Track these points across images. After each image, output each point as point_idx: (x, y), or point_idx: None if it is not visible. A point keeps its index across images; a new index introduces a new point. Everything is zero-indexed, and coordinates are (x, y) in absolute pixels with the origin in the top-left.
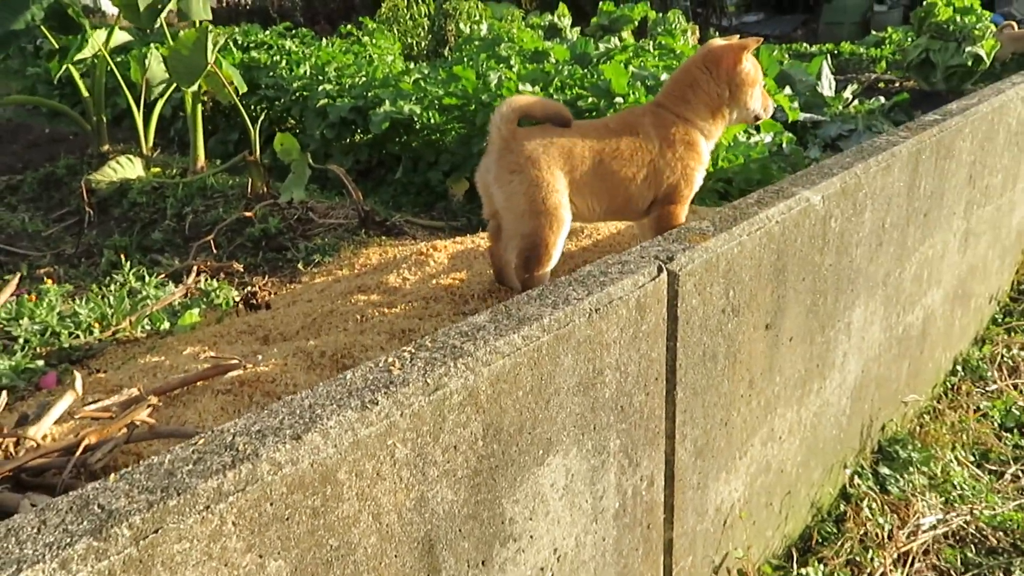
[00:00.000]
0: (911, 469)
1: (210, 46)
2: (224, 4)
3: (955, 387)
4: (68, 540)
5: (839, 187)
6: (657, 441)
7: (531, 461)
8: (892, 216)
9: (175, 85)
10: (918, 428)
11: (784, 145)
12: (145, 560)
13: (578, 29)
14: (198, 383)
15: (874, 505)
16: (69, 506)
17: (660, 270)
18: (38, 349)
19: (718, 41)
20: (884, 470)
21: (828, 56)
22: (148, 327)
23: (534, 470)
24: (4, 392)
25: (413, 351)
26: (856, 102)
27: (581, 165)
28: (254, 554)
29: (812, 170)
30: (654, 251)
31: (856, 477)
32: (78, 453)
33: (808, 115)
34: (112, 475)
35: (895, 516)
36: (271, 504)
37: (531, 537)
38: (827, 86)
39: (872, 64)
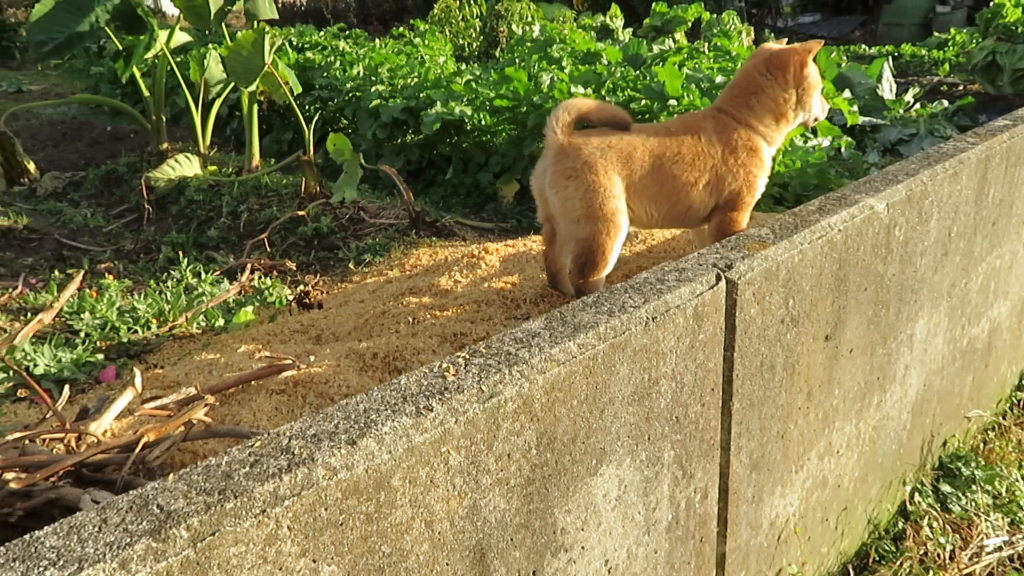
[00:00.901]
0: (974, 487)
1: (267, 47)
2: (280, 5)
3: (1021, 403)
4: (128, 540)
5: (904, 194)
6: (712, 453)
7: (584, 471)
8: (959, 225)
9: (232, 85)
10: (982, 445)
11: (843, 149)
12: (202, 562)
13: (630, 30)
14: (252, 382)
15: (935, 524)
16: (129, 505)
17: (719, 278)
18: (98, 343)
19: (774, 45)
20: (946, 488)
21: (889, 58)
22: (203, 324)
23: (587, 480)
24: (67, 386)
25: (468, 357)
26: (918, 106)
27: (640, 170)
28: (308, 559)
29: (876, 177)
30: (712, 259)
31: (916, 494)
32: (137, 450)
33: (867, 119)
34: (171, 475)
35: (957, 536)
36: (326, 509)
37: (582, 548)
38: (888, 89)
39: (934, 67)
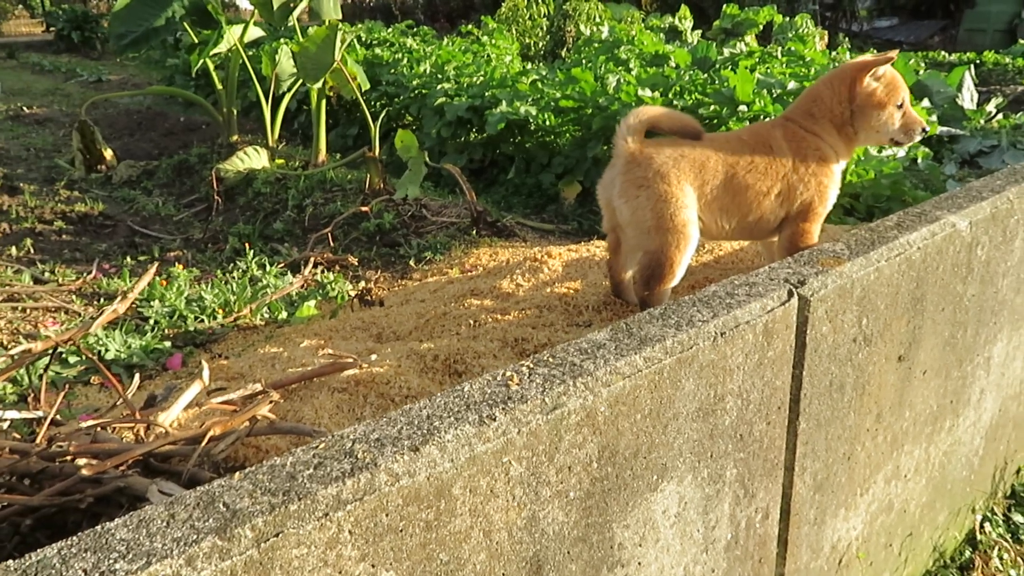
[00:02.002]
0: None
1: (338, 44)
2: (349, 1)
3: None
4: (195, 537)
5: (989, 212)
6: (775, 472)
7: (644, 486)
8: None
9: (301, 80)
10: None
11: (919, 160)
12: (265, 563)
13: (699, 32)
14: (315, 379)
15: (1006, 555)
16: (196, 502)
17: (790, 295)
18: (166, 331)
19: (863, 57)
20: (1018, 518)
21: (970, 66)
22: (267, 315)
23: (647, 496)
24: (136, 374)
25: (532, 366)
26: (1000, 116)
27: (712, 180)
28: (367, 563)
29: (959, 192)
30: (784, 274)
31: (986, 523)
32: (203, 443)
33: (946, 129)
34: (237, 473)
35: None
36: (386, 515)
37: (639, 564)
38: (968, 98)
39: (1019, 76)
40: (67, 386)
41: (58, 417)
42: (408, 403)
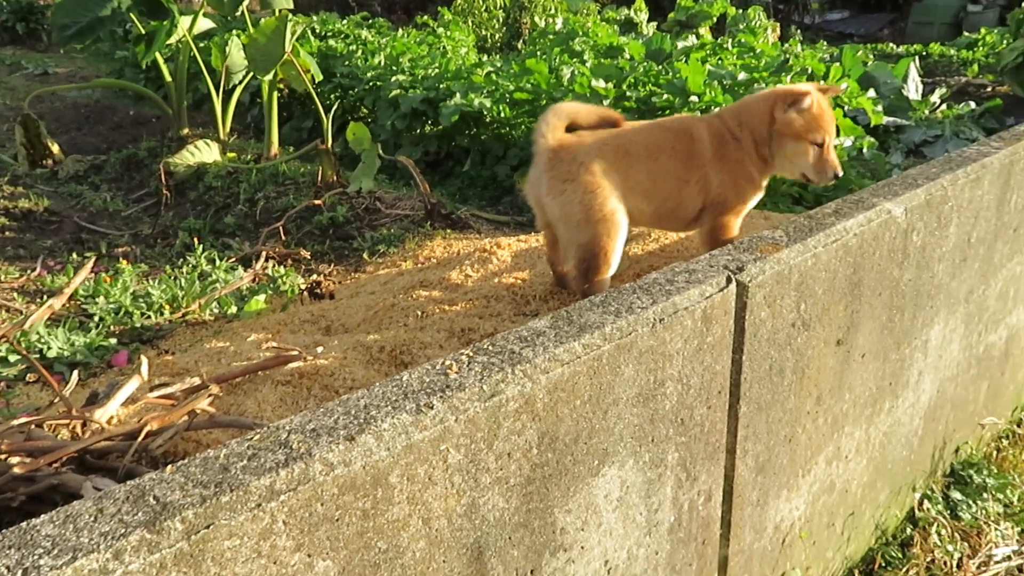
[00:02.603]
0: (985, 495)
1: (288, 35)
2: None
3: None
4: (123, 531)
5: (924, 199)
6: (717, 456)
7: (585, 471)
8: (979, 231)
9: (252, 73)
10: (995, 452)
11: (865, 150)
12: (196, 555)
13: (654, 24)
14: (259, 373)
15: (943, 531)
16: (126, 496)
17: (729, 281)
18: (112, 327)
19: (798, 86)
20: (956, 495)
21: (916, 58)
22: (216, 310)
23: (588, 480)
24: (76, 371)
25: (471, 354)
26: (944, 107)
27: (635, 164)
28: (303, 553)
29: (895, 180)
30: (724, 260)
31: (926, 501)
32: (140, 438)
33: (892, 119)
34: (169, 467)
35: (966, 544)
36: (322, 504)
37: (582, 548)
38: (913, 89)
39: (963, 67)
40: (5, 385)
41: None
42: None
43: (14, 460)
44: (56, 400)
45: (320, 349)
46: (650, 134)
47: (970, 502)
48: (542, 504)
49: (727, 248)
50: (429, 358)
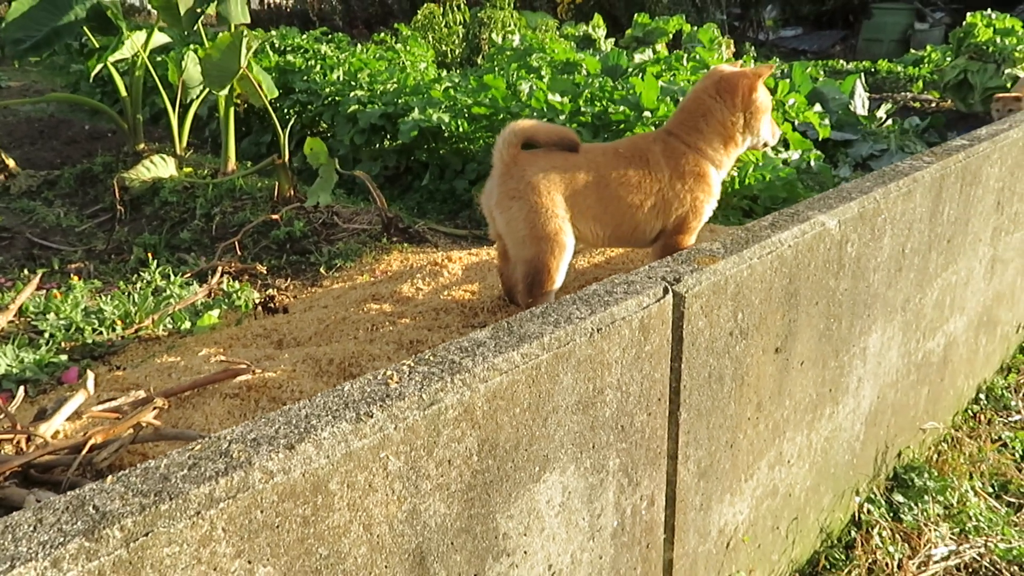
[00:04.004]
0: (926, 498)
1: (244, 51)
2: (265, 7)
3: (976, 415)
4: (61, 539)
5: (857, 212)
6: (659, 461)
7: (527, 477)
8: (913, 242)
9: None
10: (935, 456)
11: (812, 163)
12: (135, 562)
13: (612, 40)
14: (208, 386)
15: (885, 533)
16: (65, 506)
17: (666, 291)
18: (62, 344)
19: (725, 67)
20: (898, 498)
21: (863, 74)
22: (170, 326)
23: (530, 486)
24: (22, 387)
25: (412, 365)
26: (889, 122)
27: (584, 191)
28: (243, 560)
29: (830, 194)
30: (661, 272)
31: (868, 504)
32: (84, 452)
33: (840, 134)
34: (110, 477)
35: (906, 545)
36: (261, 512)
37: (525, 553)
38: (860, 105)
39: (909, 83)
40: None
41: None
42: None
43: None
44: (1, 416)
45: (270, 363)
46: (603, 159)
47: (911, 504)
48: (484, 510)
49: (666, 260)
50: (377, 369)
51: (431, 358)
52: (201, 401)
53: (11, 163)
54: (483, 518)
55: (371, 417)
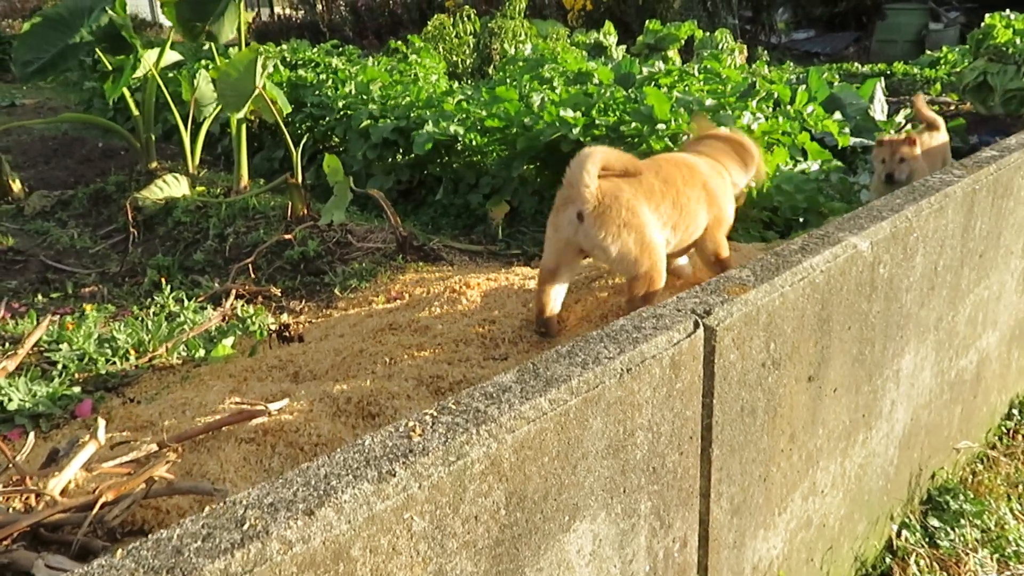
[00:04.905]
0: (963, 521)
1: (259, 69)
2: (276, 18)
3: (1011, 432)
4: None
5: (889, 231)
6: (691, 501)
7: (556, 528)
8: (945, 259)
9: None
10: (970, 477)
11: (831, 173)
12: None
13: (623, 47)
14: (223, 428)
15: (922, 561)
16: None
17: (696, 325)
18: (76, 375)
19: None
20: (934, 522)
21: (881, 78)
22: (184, 354)
23: (559, 537)
24: (32, 433)
25: (435, 414)
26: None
27: (663, 202)
28: None
29: (860, 213)
30: (691, 304)
31: (903, 530)
32: (95, 510)
33: (859, 140)
34: (119, 550)
35: (945, 573)
36: None
37: None
38: (879, 110)
39: (926, 86)
40: None
41: None
42: (318, 451)
43: None
44: (9, 466)
45: (286, 401)
46: (661, 171)
47: (948, 529)
48: (512, 564)
49: (695, 290)
50: (396, 409)
51: (454, 407)
52: (216, 445)
53: (16, 186)
54: (512, 573)
55: (394, 476)
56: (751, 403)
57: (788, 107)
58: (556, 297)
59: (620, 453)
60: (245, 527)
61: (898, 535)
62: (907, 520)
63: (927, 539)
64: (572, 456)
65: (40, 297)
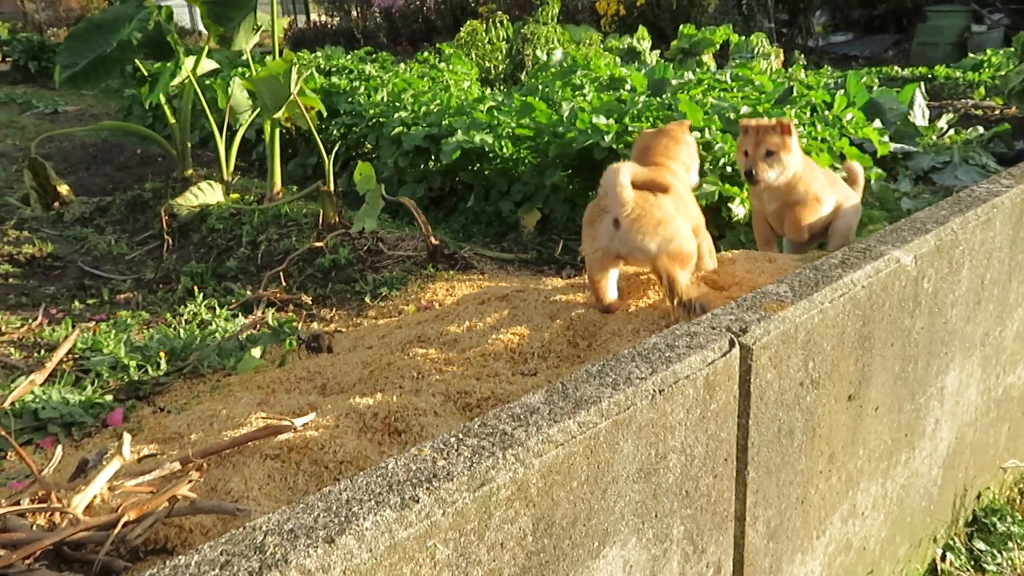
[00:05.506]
0: (1010, 544)
1: (295, 76)
2: (311, 25)
3: None
4: None
5: (933, 245)
6: (725, 525)
7: (585, 554)
8: (992, 272)
9: (258, 111)
10: (1018, 498)
11: (872, 181)
12: None
13: (657, 52)
14: (249, 443)
15: None
16: None
17: (732, 344)
18: (109, 382)
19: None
20: (980, 545)
21: (921, 83)
22: (216, 362)
23: (588, 564)
24: (60, 446)
25: (460, 437)
26: (951, 132)
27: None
28: None
29: (903, 225)
30: (726, 321)
31: (948, 553)
32: (117, 529)
33: (899, 146)
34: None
35: None
36: None
37: None
38: (920, 115)
39: (969, 90)
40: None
41: None
42: (343, 469)
43: None
44: (34, 480)
45: (312, 416)
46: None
47: (995, 552)
48: None
49: (731, 306)
50: (423, 426)
51: (480, 429)
52: (241, 461)
53: (64, 190)
54: None
55: (417, 502)
56: (788, 423)
57: (826, 113)
58: (610, 286)
59: (652, 477)
60: (264, 555)
61: (942, 559)
62: (951, 543)
63: (972, 562)
64: (602, 480)
65: (77, 303)
